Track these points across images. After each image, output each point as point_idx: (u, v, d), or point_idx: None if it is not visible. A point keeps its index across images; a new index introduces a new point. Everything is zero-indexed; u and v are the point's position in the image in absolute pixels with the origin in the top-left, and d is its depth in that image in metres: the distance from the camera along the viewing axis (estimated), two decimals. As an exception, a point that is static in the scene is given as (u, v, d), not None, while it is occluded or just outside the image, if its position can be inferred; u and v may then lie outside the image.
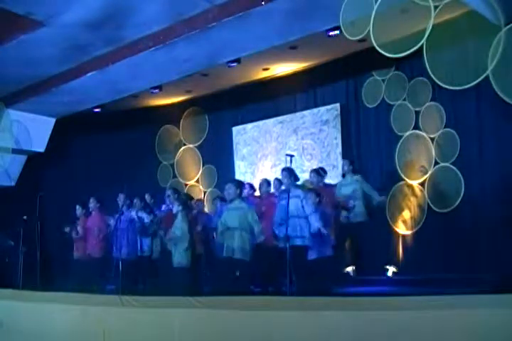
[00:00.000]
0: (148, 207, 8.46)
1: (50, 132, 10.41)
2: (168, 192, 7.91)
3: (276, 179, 7.47)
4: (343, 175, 8.03)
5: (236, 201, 6.47)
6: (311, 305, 4.66)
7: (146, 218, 8.15)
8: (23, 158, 10.65)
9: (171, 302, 5.58)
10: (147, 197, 8.72)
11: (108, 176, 10.56)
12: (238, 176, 10.12)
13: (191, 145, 11.22)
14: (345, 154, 8.80)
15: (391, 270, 7.59)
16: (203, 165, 10.95)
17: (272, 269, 6.59)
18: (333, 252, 6.59)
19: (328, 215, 6.70)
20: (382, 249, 8.01)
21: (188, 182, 11.17)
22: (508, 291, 3.91)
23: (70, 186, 10.85)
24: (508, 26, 5.82)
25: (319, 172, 7.40)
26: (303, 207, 6.17)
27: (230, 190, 6.48)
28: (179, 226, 6.89)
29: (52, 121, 10.44)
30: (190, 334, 5.32)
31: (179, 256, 6.81)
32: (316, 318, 4.54)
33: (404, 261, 7.90)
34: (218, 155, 10.73)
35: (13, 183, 10.61)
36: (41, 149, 10.36)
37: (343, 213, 7.37)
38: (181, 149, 11.36)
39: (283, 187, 6.82)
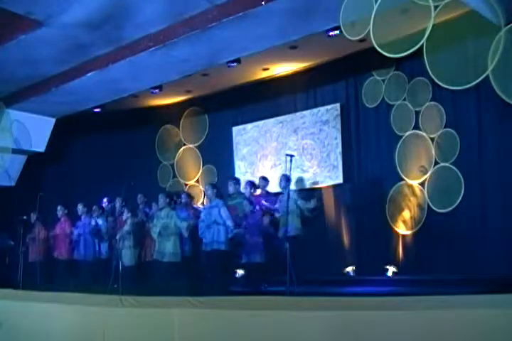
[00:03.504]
0: (105, 213, 8.93)
1: (50, 132, 10.40)
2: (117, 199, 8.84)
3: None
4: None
5: (166, 209, 7.40)
6: (311, 305, 4.65)
7: (103, 224, 8.82)
8: (23, 158, 10.65)
9: (170, 302, 5.58)
10: (104, 202, 9.08)
11: (108, 176, 10.58)
12: (238, 176, 10.11)
13: (191, 146, 11.21)
14: (345, 154, 8.81)
15: (391, 270, 7.60)
16: (203, 165, 10.94)
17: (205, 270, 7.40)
18: (264, 259, 7.21)
19: (260, 224, 7.37)
20: (382, 249, 8.02)
21: (188, 182, 11.17)
22: (507, 291, 3.91)
23: (69, 186, 10.87)
24: (508, 26, 5.83)
25: (254, 184, 7.90)
26: (221, 215, 6.92)
27: (161, 199, 7.49)
28: (126, 232, 8.09)
29: (52, 121, 10.44)
30: (190, 334, 5.32)
31: (127, 258, 8.07)
32: (316, 318, 4.54)
33: (404, 261, 7.91)
34: (218, 155, 10.71)
35: (13, 183, 10.61)
36: (41, 149, 10.35)
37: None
38: (181, 149, 11.35)
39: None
